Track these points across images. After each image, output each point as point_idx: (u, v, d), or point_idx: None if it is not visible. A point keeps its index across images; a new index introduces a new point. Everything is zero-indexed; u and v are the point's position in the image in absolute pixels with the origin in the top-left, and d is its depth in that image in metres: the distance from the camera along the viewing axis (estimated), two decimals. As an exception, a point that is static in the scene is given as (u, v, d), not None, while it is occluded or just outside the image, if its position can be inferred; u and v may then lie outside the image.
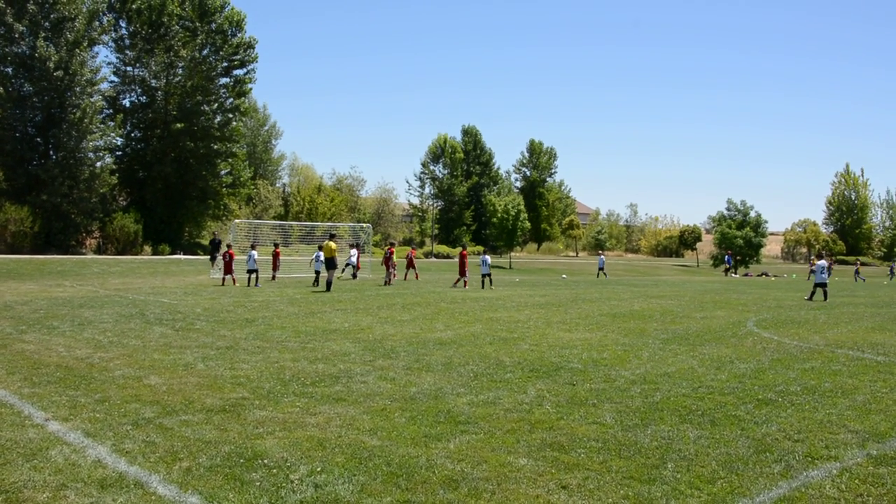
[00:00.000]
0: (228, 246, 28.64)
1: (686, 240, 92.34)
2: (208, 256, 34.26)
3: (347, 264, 32.89)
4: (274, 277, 30.72)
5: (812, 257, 64.46)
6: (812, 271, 26.64)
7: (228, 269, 27.42)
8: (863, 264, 73.07)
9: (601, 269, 48.78)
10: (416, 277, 34.55)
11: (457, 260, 31.29)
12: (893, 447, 6.58)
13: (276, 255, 31.02)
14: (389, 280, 29.49)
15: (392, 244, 32.73)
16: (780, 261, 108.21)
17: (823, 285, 25.39)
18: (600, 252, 29.30)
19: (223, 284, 27.03)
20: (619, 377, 9.70)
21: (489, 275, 29.32)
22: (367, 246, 40.21)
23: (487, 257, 29.97)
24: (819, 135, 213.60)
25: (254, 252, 27.10)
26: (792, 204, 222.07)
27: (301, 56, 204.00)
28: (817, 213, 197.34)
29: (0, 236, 39.33)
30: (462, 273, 29.23)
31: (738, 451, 6.36)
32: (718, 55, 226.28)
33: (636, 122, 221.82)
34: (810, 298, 25.23)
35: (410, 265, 35.12)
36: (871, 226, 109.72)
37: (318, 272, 27.37)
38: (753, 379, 9.80)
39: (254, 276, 26.92)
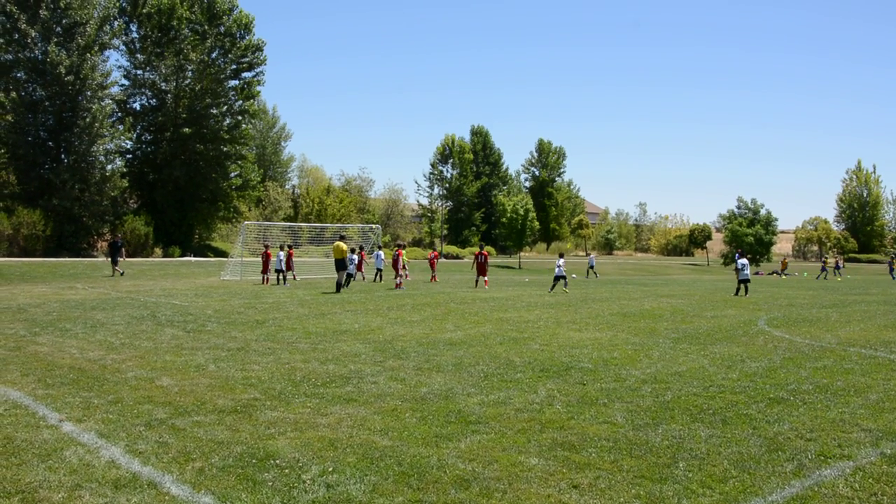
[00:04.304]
0: (266, 246, 30.29)
1: (696, 238, 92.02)
2: (109, 259, 33.21)
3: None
4: (294, 278, 31.22)
5: (784, 258, 64.33)
6: (736, 269, 27.90)
7: (265, 268, 29.40)
8: (872, 262, 72.85)
9: (591, 267, 49.39)
10: (434, 280, 34.44)
11: (471, 261, 30.98)
12: (906, 445, 6.55)
13: (289, 257, 31.19)
14: (399, 283, 29.35)
15: (400, 245, 32.64)
16: (791, 259, 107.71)
17: (746, 281, 27.24)
18: (589, 252, 29.13)
19: (264, 283, 28.50)
20: (629, 377, 9.69)
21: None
22: (374, 247, 40.16)
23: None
24: (830, 132, 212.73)
25: (282, 253, 29.18)
26: (803, 202, 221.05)
27: (310, 58, 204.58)
28: (828, 211, 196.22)
29: (13, 239, 39.55)
30: (483, 273, 29.15)
31: (750, 451, 6.35)
32: (728, 54, 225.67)
33: (645, 122, 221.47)
34: (736, 294, 27.13)
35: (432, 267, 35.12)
36: (883, 223, 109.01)
37: (350, 275, 28.14)
38: (765, 378, 9.77)
39: (280, 275, 29.18)
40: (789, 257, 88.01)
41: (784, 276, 56.54)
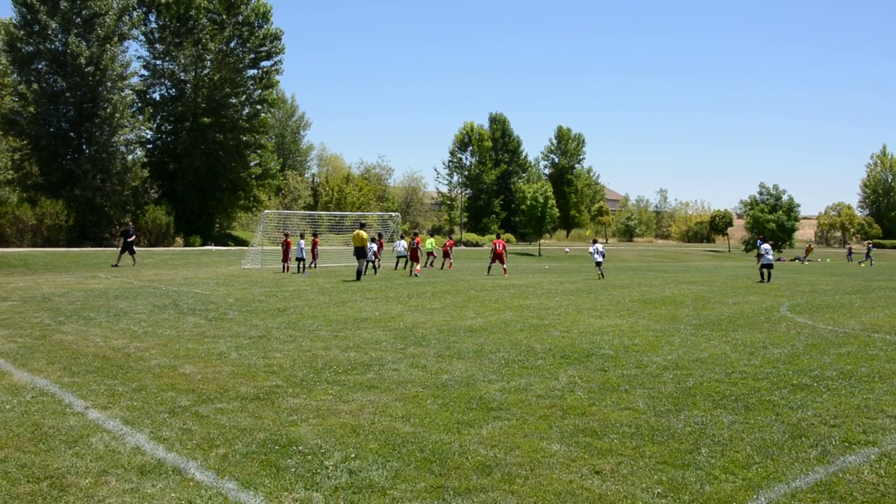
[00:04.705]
0: (286, 235, 30.56)
1: (717, 225, 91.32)
2: (112, 248, 32.46)
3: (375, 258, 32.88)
4: (314, 266, 31.22)
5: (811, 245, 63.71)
6: (759, 255, 27.85)
7: (285, 257, 29.71)
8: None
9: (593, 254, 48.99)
10: (450, 267, 34.44)
11: (489, 248, 30.85)
12: (932, 431, 6.49)
13: (314, 245, 31.33)
14: (416, 270, 29.26)
15: (416, 234, 32.31)
16: (813, 245, 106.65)
17: (769, 266, 26.93)
18: (595, 240, 28.96)
19: (285, 272, 28.58)
20: (650, 363, 9.66)
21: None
22: (395, 235, 40.14)
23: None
24: (855, 117, 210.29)
25: (303, 242, 29.02)
26: (826, 187, 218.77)
27: (328, 46, 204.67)
28: (852, 197, 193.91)
29: (37, 230, 39.97)
30: (501, 260, 29.10)
31: (773, 437, 6.31)
32: (751, 41, 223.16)
33: (665, 108, 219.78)
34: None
35: (446, 255, 35.05)
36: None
37: (399, 257, 29.80)
38: (788, 364, 9.70)
39: (302, 263, 29.12)
40: (813, 243, 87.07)
41: (806, 263, 55.89)
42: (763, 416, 6.97)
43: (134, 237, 31.44)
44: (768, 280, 26.07)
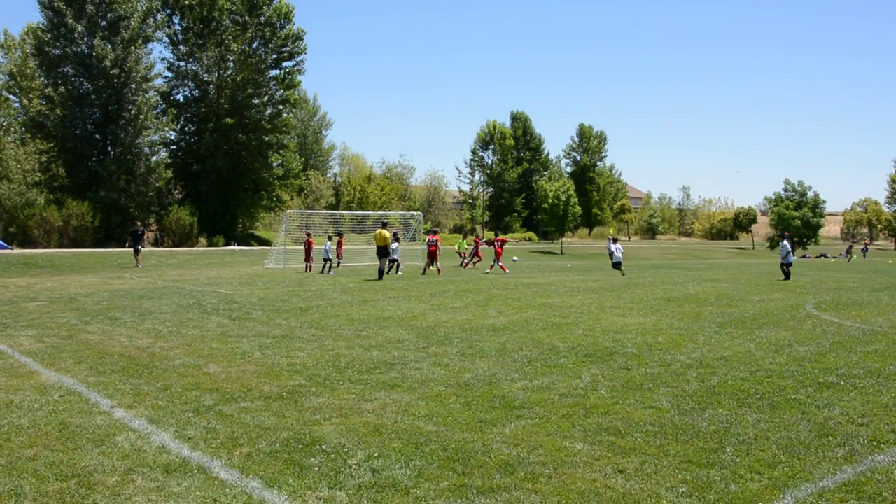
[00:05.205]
0: (308, 235, 30.72)
1: (741, 222, 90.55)
2: (131, 249, 31.61)
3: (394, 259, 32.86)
4: (339, 265, 31.37)
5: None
6: (610, 253, 27.83)
7: (307, 256, 29.88)
8: None
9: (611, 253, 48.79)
10: (472, 265, 34.39)
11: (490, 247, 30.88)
12: (963, 430, 6.38)
13: (339, 245, 31.47)
14: (430, 268, 29.18)
15: (433, 232, 31.96)
16: (839, 241, 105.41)
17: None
18: (615, 238, 28.45)
19: (307, 272, 28.70)
20: (674, 361, 9.59)
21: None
22: (417, 234, 40.12)
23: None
24: (882, 112, 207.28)
25: (329, 243, 29.18)
26: (852, 183, 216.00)
27: (349, 46, 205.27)
28: (880, 193, 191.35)
29: (63, 231, 40.49)
30: (477, 256, 29.80)
31: (800, 436, 6.25)
32: (773, 41, 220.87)
33: (688, 105, 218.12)
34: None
35: (475, 254, 34.97)
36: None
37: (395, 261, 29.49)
38: (814, 362, 9.59)
39: (328, 264, 29.03)
40: (867, 237, 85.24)
41: (850, 259, 54.15)
42: (789, 415, 6.90)
43: (143, 238, 31.06)
44: (787, 278, 25.73)
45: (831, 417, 6.83)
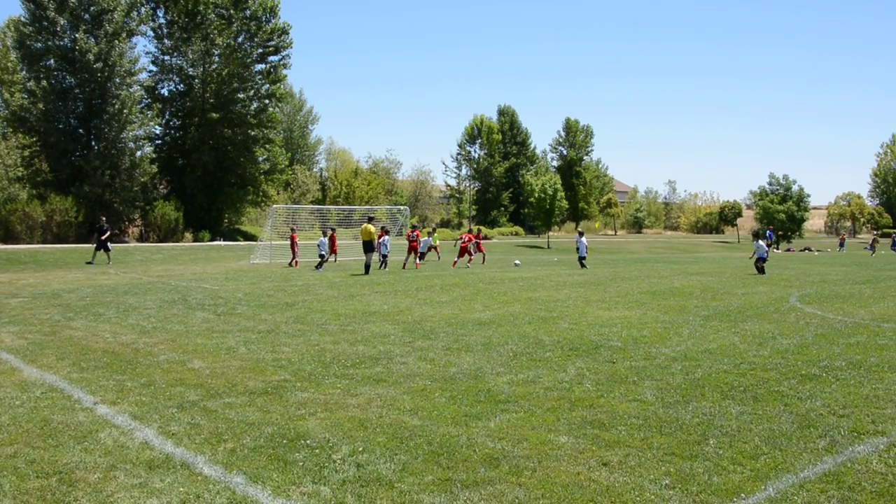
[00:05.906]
0: (292, 230, 30.95)
1: (726, 216, 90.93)
2: (94, 245, 30.76)
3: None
4: (335, 260, 31.35)
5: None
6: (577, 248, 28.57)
7: (293, 251, 30.25)
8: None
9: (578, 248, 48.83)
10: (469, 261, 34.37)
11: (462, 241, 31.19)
12: (943, 421, 6.45)
13: (332, 240, 31.41)
14: (412, 263, 29.52)
15: (414, 227, 32.00)
16: (823, 235, 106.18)
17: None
18: (581, 232, 28.12)
19: (293, 266, 28.79)
20: (659, 354, 9.63)
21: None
22: (404, 228, 40.10)
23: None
24: (864, 106, 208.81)
25: (324, 238, 28.92)
26: (836, 177, 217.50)
27: (335, 40, 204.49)
28: (862, 186, 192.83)
29: (46, 226, 40.18)
30: (465, 252, 30.48)
31: (782, 427, 6.29)
32: (757, 35, 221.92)
33: (674, 99, 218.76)
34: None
35: (474, 249, 34.88)
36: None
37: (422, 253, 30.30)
38: (797, 354, 9.66)
39: (322, 260, 28.80)
40: (876, 232, 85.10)
41: (872, 254, 52.54)
42: (772, 407, 6.95)
43: (108, 234, 30.07)
44: (762, 273, 24.92)
45: (813, 409, 6.88)
